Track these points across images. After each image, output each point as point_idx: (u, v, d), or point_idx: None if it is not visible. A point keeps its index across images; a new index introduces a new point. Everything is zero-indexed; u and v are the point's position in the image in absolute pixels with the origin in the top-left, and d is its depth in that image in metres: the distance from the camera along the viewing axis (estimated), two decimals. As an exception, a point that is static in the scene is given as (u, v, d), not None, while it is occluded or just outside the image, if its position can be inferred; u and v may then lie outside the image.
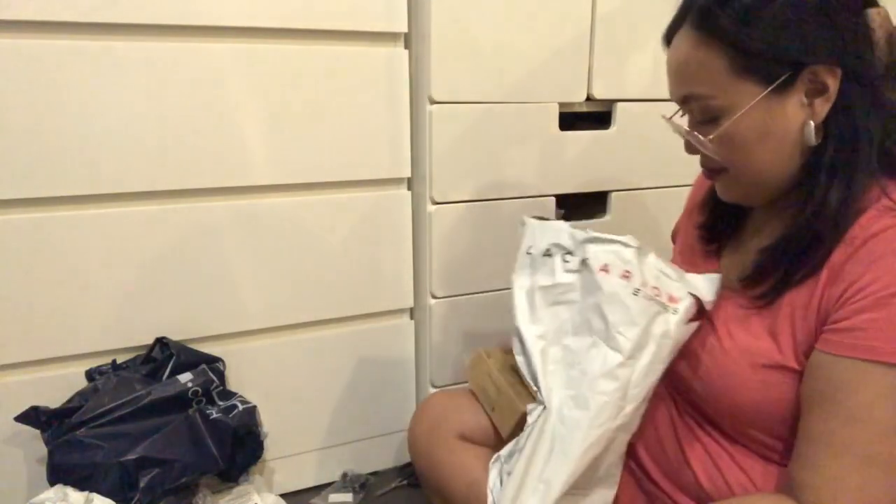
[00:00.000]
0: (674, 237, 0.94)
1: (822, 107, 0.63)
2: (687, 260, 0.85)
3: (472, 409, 0.92)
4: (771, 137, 0.64)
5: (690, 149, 0.72)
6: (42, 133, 0.92)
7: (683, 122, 0.72)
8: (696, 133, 0.67)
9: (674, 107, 0.73)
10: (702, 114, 0.67)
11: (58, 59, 0.90)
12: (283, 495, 1.13)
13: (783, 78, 0.62)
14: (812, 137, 0.63)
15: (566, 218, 1.25)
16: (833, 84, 0.62)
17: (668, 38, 0.70)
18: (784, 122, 0.63)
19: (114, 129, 0.95)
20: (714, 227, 0.81)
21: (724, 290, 0.75)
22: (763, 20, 0.61)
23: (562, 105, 1.17)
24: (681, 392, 0.78)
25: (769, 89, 0.62)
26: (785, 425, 0.67)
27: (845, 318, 0.60)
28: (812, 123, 0.63)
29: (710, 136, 0.66)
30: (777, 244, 0.68)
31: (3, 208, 0.94)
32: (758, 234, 0.75)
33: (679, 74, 0.68)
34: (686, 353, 0.75)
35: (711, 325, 0.73)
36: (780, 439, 0.68)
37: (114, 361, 1.04)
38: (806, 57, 0.61)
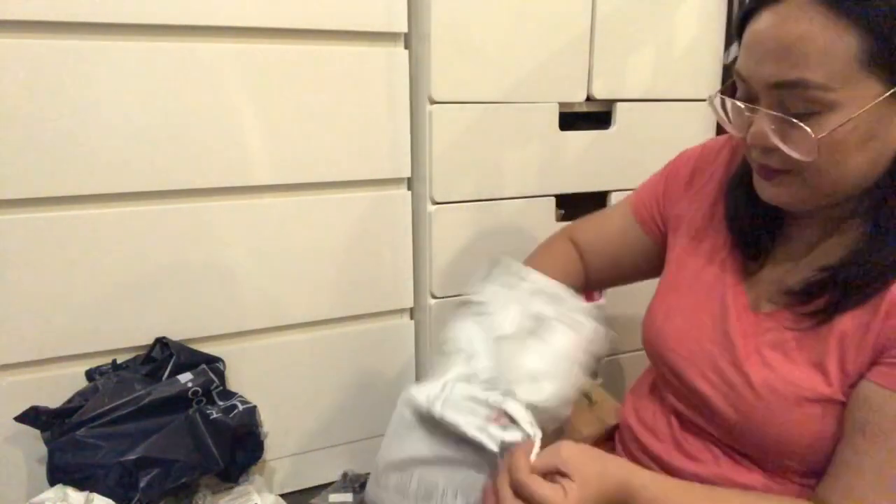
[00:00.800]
0: (659, 202, 0.85)
1: None
2: (702, 269, 0.75)
3: None
4: (872, 145, 0.57)
5: (760, 141, 0.59)
6: (42, 133, 0.92)
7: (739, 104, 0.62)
8: (801, 125, 0.55)
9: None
10: (801, 105, 0.56)
11: (58, 59, 0.90)
12: (283, 495, 1.13)
13: None
14: None
15: (566, 218, 1.25)
16: None
17: (757, 8, 0.58)
18: (890, 130, 0.57)
19: (114, 129, 0.95)
20: (756, 240, 0.71)
21: (761, 309, 0.68)
22: None
23: (562, 105, 1.17)
24: (696, 409, 0.73)
25: (891, 91, 0.54)
26: (819, 455, 0.63)
27: None
28: None
29: (821, 135, 0.55)
30: (845, 262, 0.61)
31: (3, 208, 0.94)
32: (811, 246, 0.67)
33: (786, 54, 0.55)
34: (716, 379, 0.69)
35: (749, 350, 0.67)
36: (813, 472, 0.65)
37: (114, 361, 1.04)
38: None
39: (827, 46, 0.53)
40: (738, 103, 0.61)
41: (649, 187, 0.88)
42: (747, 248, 0.71)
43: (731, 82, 0.63)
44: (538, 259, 0.93)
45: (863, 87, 0.54)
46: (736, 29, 0.62)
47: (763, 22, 0.57)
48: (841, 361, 0.61)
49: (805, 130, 0.55)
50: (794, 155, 0.57)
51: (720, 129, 1.29)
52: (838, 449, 0.61)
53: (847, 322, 0.61)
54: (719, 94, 0.64)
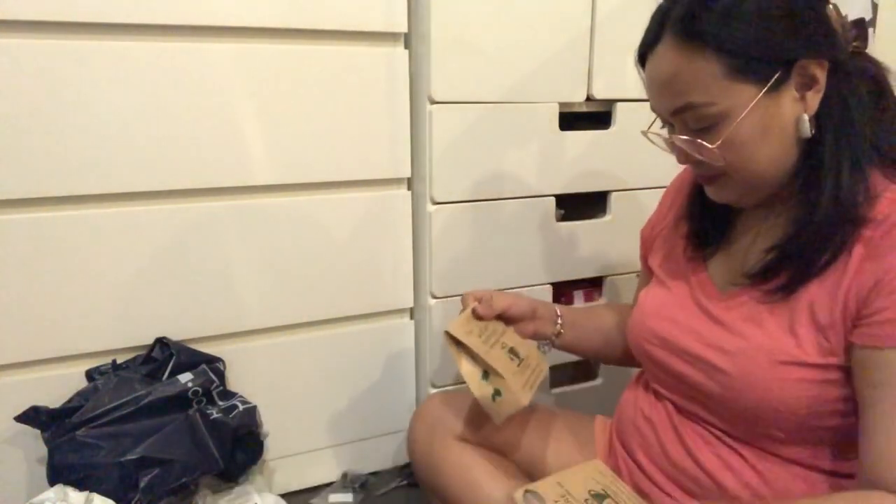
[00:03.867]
0: (645, 243, 0.94)
1: (814, 99, 0.64)
2: (671, 270, 0.84)
3: (472, 410, 0.92)
4: (771, 135, 0.65)
5: (685, 158, 0.71)
6: (42, 133, 0.92)
7: (661, 131, 0.73)
8: (699, 141, 0.66)
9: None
10: (697, 122, 0.66)
11: (58, 59, 0.90)
12: (283, 495, 1.13)
13: (777, 75, 0.62)
14: (807, 129, 0.64)
15: (566, 218, 1.25)
16: (821, 76, 0.63)
17: (643, 56, 0.70)
18: (781, 119, 0.65)
19: (114, 128, 0.95)
20: (705, 232, 0.80)
21: (728, 291, 0.75)
22: (746, 20, 0.61)
23: (562, 105, 1.17)
24: (687, 396, 0.77)
25: (766, 88, 0.63)
26: (805, 425, 0.66)
27: (886, 308, 0.60)
28: (806, 116, 0.64)
29: (717, 143, 0.65)
30: (792, 236, 0.67)
31: (3, 208, 0.94)
32: (755, 233, 0.75)
33: (669, 87, 0.67)
34: (694, 359, 0.74)
35: (722, 327, 0.73)
36: (799, 441, 0.68)
37: (114, 361, 1.04)
38: (795, 52, 0.62)
39: (696, 73, 0.64)
40: (658, 134, 0.74)
41: (642, 235, 0.96)
42: (699, 239, 0.80)
43: (655, 117, 0.74)
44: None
45: (739, 94, 0.63)
46: (640, 71, 0.73)
47: (648, 67, 0.69)
48: (813, 323, 0.66)
49: (704, 143, 0.66)
50: (711, 162, 0.67)
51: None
52: (862, 421, 0.63)
53: (814, 289, 0.66)
54: (644, 132, 0.77)
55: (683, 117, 0.68)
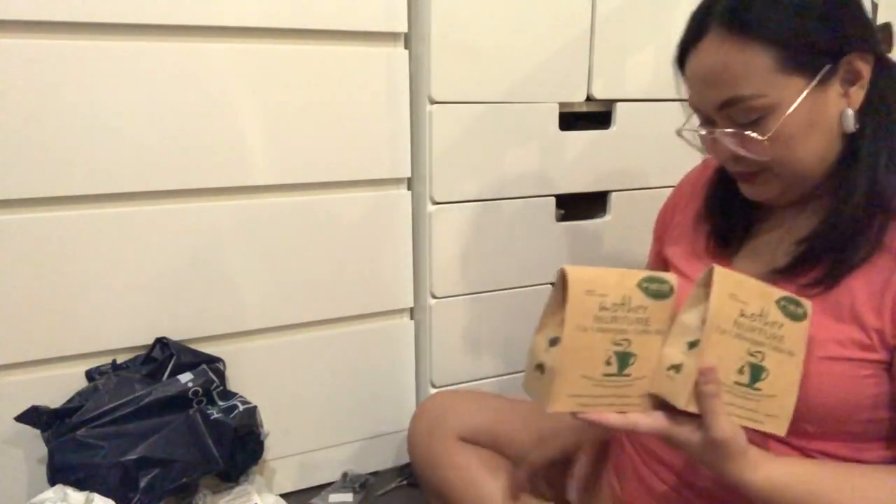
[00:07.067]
0: (663, 223, 0.91)
1: (858, 94, 0.64)
2: (695, 266, 0.82)
3: (472, 410, 0.92)
4: (816, 129, 0.65)
5: (727, 154, 0.69)
6: (42, 133, 0.92)
7: (699, 129, 0.71)
8: (748, 133, 0.65)
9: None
10: (745, 115, 0.65)
11: (58, 59, 0.90)
12: (283, 495, 1.13)
13: (826, 69, 0.63)
14: (851, 124, 0.64)
15: (566, 218, 1.25)
16: (866, 71, 0.64)
17: (684, 53, 0.69)
18: (826, 113, 0.65)
19: (113, 129, 0.95)
20: (730, 229, 0.79)
21: None
22: (797, 11, 0.62)
23: (562, 105, 1.17)
24: None
25: (815, 82, 0.63)
26: (838, 419, 0.65)
27: None
28: (850, 111, 0.64)
29: (767, 136, 0.64)
30: (825, 229, 0.67)
31: (3, 208, 0.94)
32: (786, 229, 0.74)
33: (717, 80, 0.66)
34: None
35: None
36: (829, 436, 0.67)
37: (114, 361, 1.04)
38: (844, 46, 0.62)
39: (746, 65, 0.63)
40: (700, 130, 0.71)
41: (652, 237, 0.94)
42: (723, 238, 0.78)
43: (689, 115, 0.73)
44: None
45: (789, 87, 0.63)
46: (677, 71, 0.71)
47: (694, 60, 0.68)
48: (854, 321, 0.64)
49: (754, 136, 0.64)
50: (756, 157, 0.66)
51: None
52: None
53: (854, 285, 0.65)
54: (682, 130, 0.74)
55: (730, 112, 0.66)
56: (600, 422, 0.62)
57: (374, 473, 1.30)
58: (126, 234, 1.00)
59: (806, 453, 0.68)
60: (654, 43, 1.21)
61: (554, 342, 0.62)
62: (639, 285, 0.62)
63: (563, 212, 1.25)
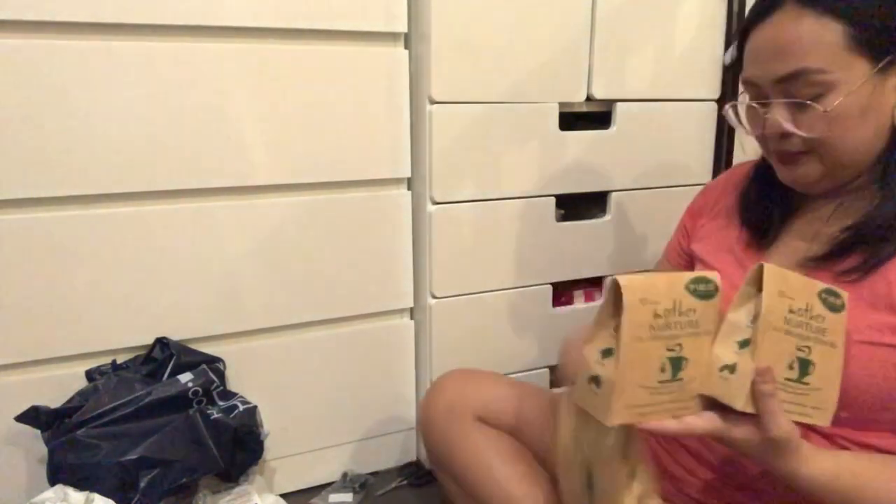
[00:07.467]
0: (693, 216, 0.91)
1: None
2: (727, 260, 0.80)
3: (491, 388, 0.90)
4: (869, 116, 0.65)
5: (776, 128, 0.68)
6: (42, 133, 0.92)
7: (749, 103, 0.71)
8: (808, 102, 0.65)
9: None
10: (807, 89, 0.65)
11: (58, 59, 0.90)
12: (283, 495, 1.13)
13: (890, 57, 0.63)
14: None
15: (566, 218, 1.25)
16: None
17: (750, 26, 0.69)
18: (881, 102, 0.65)
19: (113, 129, 0.95)
20: (767, 219, 0.78)
21: None
22: None
23: (562, 105, 1.17)
24: None
25: (879, 66, 0.64)
26: (874, 406, 0.65)
27: None
28: None
29: (828, 109, 0.64)
30: (870, 218, 0.67)
31: (3, 208, 0.94)
32: (825, 219, 0.73)
33: (784, 52, 0.66)
34: None
35: None
36: (861, 424, 0.67)
37: (114, 361, 1.04)
38: None
39: (818, 38, 0.63)
40: (753, 103, 0.70)
41: (676, 231, 0.94)
42: (758, 229, 0.78)
43: (740, 94, 0.72)
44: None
45: (854, 67, 0.64)
46: (738, 44, 0.72)
47: (763, 32, 0.68)
48: (891, 308, 0.64)
49: (814, 108, 0.65)
50: (807, 134, 0.66)
51: (720, 130, 1.30)
52: None
53: (893, 274, 0.65)
54: (732, 104, 0.73)
55: (789, 86, 0.66)
56: (660, 430, 0.61)
57: (374, 473, 1.30)
58: (126, 233, 1.00)
59: (845, 446, 0.68)
60: (654, 43, 1.21)
61: (607, 353, 0.61)
62: (687, 287, 0.61)
63: (563, 212, 1.25)
